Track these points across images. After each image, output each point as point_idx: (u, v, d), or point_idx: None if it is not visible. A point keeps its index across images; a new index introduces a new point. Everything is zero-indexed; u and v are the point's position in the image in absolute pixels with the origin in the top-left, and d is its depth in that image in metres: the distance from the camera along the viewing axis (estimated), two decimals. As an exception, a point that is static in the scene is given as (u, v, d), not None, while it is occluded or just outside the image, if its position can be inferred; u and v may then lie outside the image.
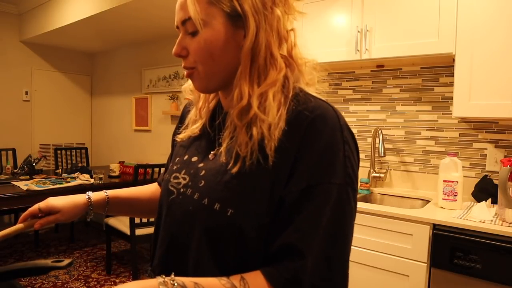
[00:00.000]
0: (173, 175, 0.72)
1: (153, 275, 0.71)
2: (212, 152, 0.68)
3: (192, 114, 0.76)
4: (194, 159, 0.71)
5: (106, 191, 0.89)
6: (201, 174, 0.66)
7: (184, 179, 0.69)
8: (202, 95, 0.74)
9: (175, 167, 0.73)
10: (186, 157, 0.73)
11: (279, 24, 0.61)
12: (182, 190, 0.68)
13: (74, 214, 0.83)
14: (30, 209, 0.80)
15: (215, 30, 0.60)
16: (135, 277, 2.90)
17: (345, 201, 0.59)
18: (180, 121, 0.83)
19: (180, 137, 0.76)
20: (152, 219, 2.65)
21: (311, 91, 0.65)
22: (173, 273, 0.55)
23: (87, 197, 0.86)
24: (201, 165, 0.68)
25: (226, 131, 0.65)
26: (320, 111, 0.60)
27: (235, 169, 0.61)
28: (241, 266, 0.59)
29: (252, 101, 0.59)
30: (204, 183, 0.65)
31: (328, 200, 0.57)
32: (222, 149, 0.64)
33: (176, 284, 0.52)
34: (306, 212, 0.57)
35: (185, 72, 0.67)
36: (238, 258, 0.60)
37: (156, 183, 0.96)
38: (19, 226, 0.78)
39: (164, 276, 0.53)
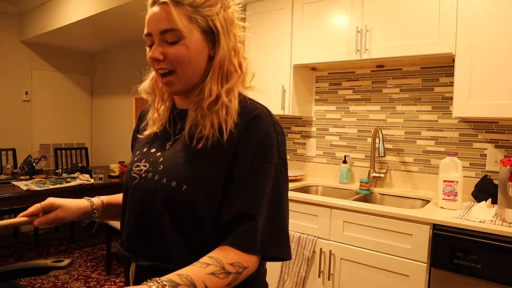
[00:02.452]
0: (135, 165, 0.85)
1: (121, 250, 0.83)
2: (168, 143, 0.83)
3: (150, 113, 0.88)
4: (153, 150, 0.84)
5: (99, 196, 0.95)
6: (160, 160, 0.80)
7: (145, 166, 0.82)
8: (158, 96, 0.86)
9: (135, 158, 0.86)
10: (145, 149, 0.86)
11: (235, 40, 0.80)
12: (144, 175, 0.81)
13: (73, 212, 0.87)
14: (32, 207, 0.84)
15: (193, 41, 0.75)
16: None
17: (280, 176, 0.76)
18: (140, 119, 0.96)
19: (145, 134, 0.88)
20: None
21: (248, 95, 0.83)
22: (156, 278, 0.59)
23: (88, 200, 0.91)
24: (159, 154, 0.82)
25: (187, 121, 0.78)
26: (258, 110, 0.77)
27: (197, 147, 0.75)
28: (198, 229, 0.74)
29: (221, 94, 0.76)
30: (162, 167, 0.79)
31: (269, 175, 0.74)
32: (184, 134, 0.78)
33: (164, 282, 0.57)
34: (253, 186, 0.73)
35: (163, 79, 0.77)
36: (193, 223, 0.74)
37: None
38: (22, 218, 0.82)
39: (149, 280, 0.58)
